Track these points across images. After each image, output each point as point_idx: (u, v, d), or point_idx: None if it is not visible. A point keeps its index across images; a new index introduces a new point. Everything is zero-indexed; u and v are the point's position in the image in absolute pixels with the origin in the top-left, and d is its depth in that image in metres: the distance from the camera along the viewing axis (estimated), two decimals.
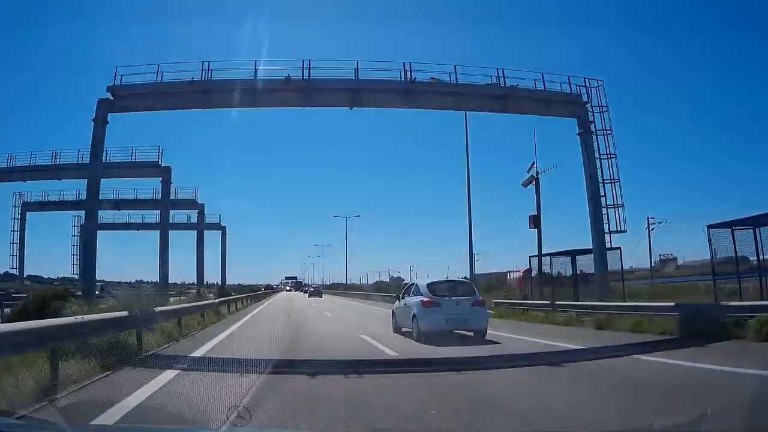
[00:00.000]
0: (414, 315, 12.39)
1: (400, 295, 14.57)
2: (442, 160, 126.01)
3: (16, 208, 43.44)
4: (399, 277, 79.25)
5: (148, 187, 42.08)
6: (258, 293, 50.33)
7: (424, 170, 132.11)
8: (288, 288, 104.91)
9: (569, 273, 21.86)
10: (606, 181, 19.56)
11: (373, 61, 24.50)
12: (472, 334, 12.53)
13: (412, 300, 12.93)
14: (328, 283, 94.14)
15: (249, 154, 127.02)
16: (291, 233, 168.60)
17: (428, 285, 12.74)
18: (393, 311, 14.82)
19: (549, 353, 9.82)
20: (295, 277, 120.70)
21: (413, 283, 13.76)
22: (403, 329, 13.90)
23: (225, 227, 59.98)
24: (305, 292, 74.76)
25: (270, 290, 77.64)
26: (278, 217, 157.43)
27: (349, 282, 75.77)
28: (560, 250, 22.78)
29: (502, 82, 19.22)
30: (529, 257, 23.72)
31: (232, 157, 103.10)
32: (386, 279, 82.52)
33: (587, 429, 4.68)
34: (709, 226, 15.63)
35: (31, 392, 5.28)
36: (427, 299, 12.28)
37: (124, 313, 8.99)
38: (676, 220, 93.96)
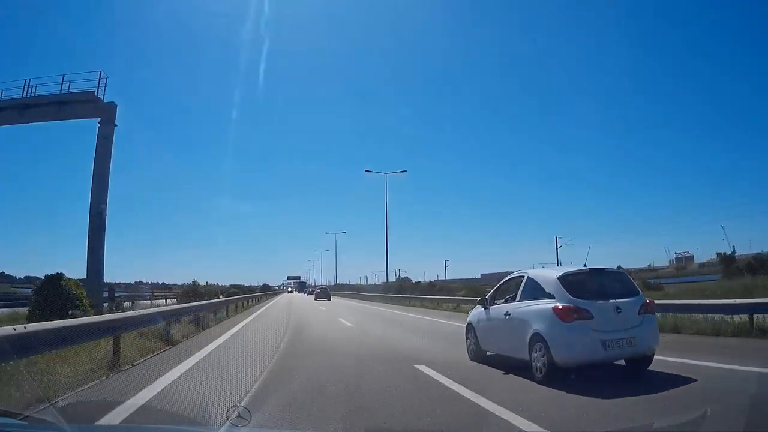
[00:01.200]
0: (537, 334, 6.83)
1: (487, 298, 8.87)
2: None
3: None
4: (406, 278, 73.49)
5: None
6: (236, 299, 29.90)
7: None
8: (290, 290, 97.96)
9: None
10: None
11: None
12: (623, 362, 7.20)
13: (528, 307, 7.30)
14: (333, 284, 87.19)
15: (248, 152, 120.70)
16: (292, 233, 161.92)
17: (561, 278, 7.02)
18: (470, 325, 9.17)
19: None
20: (299, 277, 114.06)
21: (522, 277, 7.84)
22: (488, 353, 8.60)
23: (114, 108, 25.70)
24: (310, 293, 66.79)
25: (267, 292, 68.53)
26: (279, 215, 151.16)
27: (356, 283, 68.79)
28: None
29: None
30: None
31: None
32: (389, 279, 75.88)
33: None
34: None
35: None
36: (567, 305, 6.66)
37: None
38: None
